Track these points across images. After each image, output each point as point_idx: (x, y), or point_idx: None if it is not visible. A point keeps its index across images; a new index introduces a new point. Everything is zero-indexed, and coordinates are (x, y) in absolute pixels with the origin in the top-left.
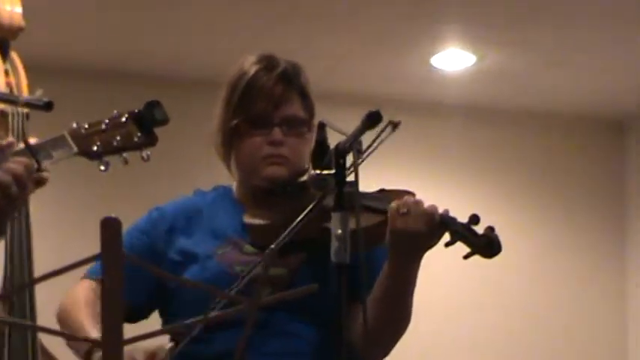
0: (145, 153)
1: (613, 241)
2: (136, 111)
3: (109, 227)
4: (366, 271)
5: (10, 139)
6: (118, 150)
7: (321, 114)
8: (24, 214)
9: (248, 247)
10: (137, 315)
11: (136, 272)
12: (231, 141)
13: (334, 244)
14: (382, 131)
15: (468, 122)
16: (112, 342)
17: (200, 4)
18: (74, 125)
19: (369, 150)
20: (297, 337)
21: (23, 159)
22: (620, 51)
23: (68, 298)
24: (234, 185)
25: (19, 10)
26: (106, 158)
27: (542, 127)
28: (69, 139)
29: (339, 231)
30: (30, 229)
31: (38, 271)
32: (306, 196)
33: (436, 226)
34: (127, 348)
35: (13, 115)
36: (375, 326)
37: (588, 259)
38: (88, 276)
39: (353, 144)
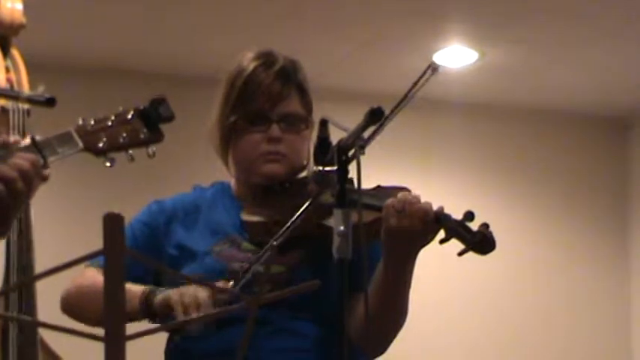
0: (151, 149)
1: (616, 238)
2: (142, 107)
3: (112, 223)
4: (365, 263)
5: (16, 136)
6: (124, 146)
7: (323, 110)
8: (24, 210)
9: (246, 245)
10: None
11: (134, 263)
12: (229, 138)
13: (336, 240)
14: (423, 74)
15: (470, 119)
16: (115, 338)
17: (201, 2)
18: (80, 121)
19: (409, 96)
20: (298, 334)
21: (29, 155)
22: (623, 48)
23: (77, 284)
24: (232, 181)
25: (19, 7)
26: (112, 155)
27: (544, 124)
28: (75, 135)
29: (342, 227)
30: (31, 224)
31: (40, 267)
32: (305, 192)
33: (430, 224)
34: (187, 293)
35: (13, 111)
36: (372, 322)
37: (591, 257)
38: (93, 264)
39: (355, 140)
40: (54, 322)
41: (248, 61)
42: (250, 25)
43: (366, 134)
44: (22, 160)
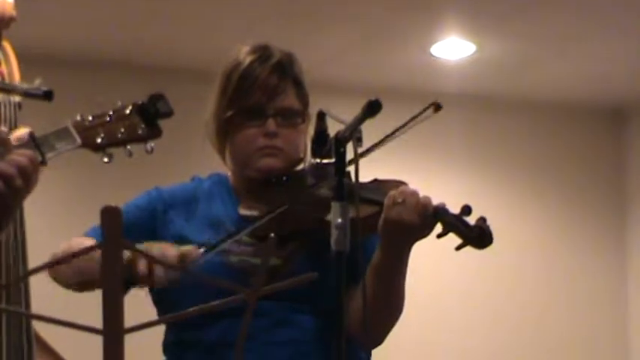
0: (150, 145)
1: (614, 230)
2: (140, 103)
3: (110, 216)
4: (362, 256)
5: (2, 127)
6: (123, 142)
7: (320, 104)
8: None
9: (245, 238)
10: None
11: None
12: (225, 132)
13: (334, 233)
14: (425, 110)
15: (468, 111)
16: (113, 331)
17: None
18: (78, 117)
19: (404, 128)
20: (296, 326)
21: (28, 151)
22: (620, 40)
23: (64, 248)
24: (229, 174)
25: None
26: (110, 150)
27: (541, 116)
28: (73, 131)
29: (339, 220)
30: (24, 219)
31: (37, 260)
32: (302, 186)
33: (429, 218)
34: (155, 247)
35: (4, 104)
36: (369, 313)
37: (589, 249)
38: (90, 235)
39: (353, 133)
40: (48, 315)
41: (244, 55)
42: (248, 19)
43: (365, 146)
44: (20, 156)
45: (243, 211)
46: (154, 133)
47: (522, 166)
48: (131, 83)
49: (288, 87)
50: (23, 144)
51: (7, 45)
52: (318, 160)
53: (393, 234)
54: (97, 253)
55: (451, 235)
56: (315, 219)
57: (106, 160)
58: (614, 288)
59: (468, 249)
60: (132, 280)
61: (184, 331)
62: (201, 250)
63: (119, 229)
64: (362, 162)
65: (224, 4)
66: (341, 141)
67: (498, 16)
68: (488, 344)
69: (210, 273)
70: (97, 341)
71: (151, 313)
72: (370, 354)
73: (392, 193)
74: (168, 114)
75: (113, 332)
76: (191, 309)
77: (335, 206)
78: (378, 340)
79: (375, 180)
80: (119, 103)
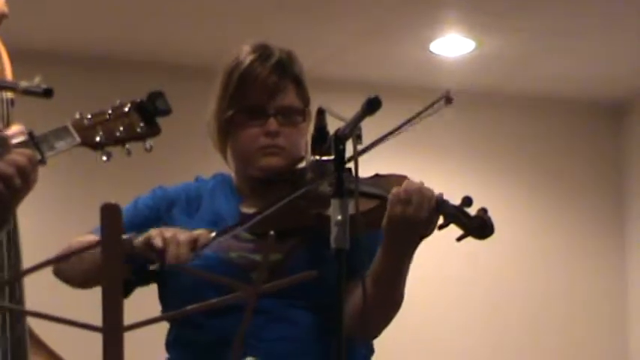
0: (148, 143)
1: (613, 228)
2: (139, 101)
3: (110, 213)
4: (363, 253)
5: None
6: (121, 140)
7: (320, 100)
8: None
9: (245, 234)
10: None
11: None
12: (226, 132)
13: (334, 230)
14: (436, 101)
15: (468, 108)
16: (113, 329)
17: None
18: (77, 115)
19: (414, 120)
20: (295, 322)
21: (26, 150)
22: (619, 36)
23: (68, 245)
24: (232, 174)
25: None
26: (109, 149)
27: (541, 113)
28: (72, 129)
29: (339, 217)
30: (16, 219)
31: (30, 260)
32: (304, 183)
33: (433, 211)
34: (168, 229)
35: None
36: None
37: (588, 247)
38: (95, 232)
39: (352, 130)
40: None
41: (244, 54)
42: (248, 15)
43: (368, 142)
44: (19, 156)
45: (245, 209)
46: (153, 131)
47: (522, 163)
48: (131, 80)
49: (288, 86)
50: (22, 143)
51: None
52: (318, 157)
53: (397, 231)
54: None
55: (451, 228)
56: (314, 215)
57: (104, 158)
58: (613, 286)
59: (467, 243)
60: (145, 260)
61: (186, 329)
62: (213, 234)
63: (119, 226)
64: (361, 158)
65: (225, 1)
66: (340, 138)
67: (498, 12)
68: (486, 344)
69: (210, 269)
70: (96, 339)
71: (151, 311)
72: (373, 350)
73: (395, 190)
74: (167, 112)
75: (113, 330)
76: (190, 306)
77: (334, 203)
78: (375, 335)
79: (376, 175)
80: (118, 102)
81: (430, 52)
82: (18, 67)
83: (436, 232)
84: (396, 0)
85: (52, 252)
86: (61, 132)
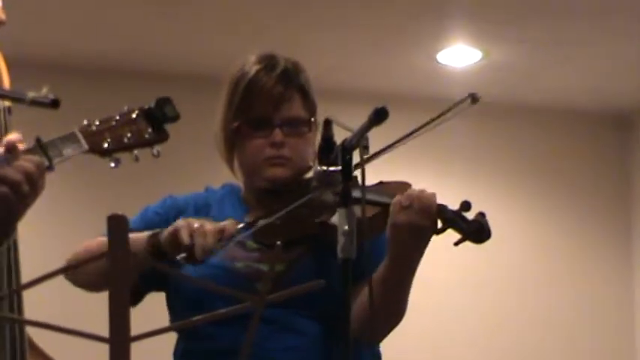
0: (156, 149)
1: (619, 236)
2: (147, 107)
3: (116, 223)
4: (366, 258)
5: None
6: (129, 147)
7: (327, 110)
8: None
9: (250, 244)
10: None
11: None
12: (233, 143)
13: (341, 240)
14: (461, 101)
15: (474, 118)
16: (120, 339)
17: (206, 1)
18: (85, 122)
19: (441, 118)
20: (300, 332)
21: (34, 157)
22: (626, 47)
23: (84, 247)
24: (241, 185)
25: None
26: (117, 155)
27: (548, 123)
28: (80, 136)
29: (346, 227)
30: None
31: (39, 269)
32: (310, 194)
33: (435, 217)
34: (195, 220)
35: None
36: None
37: (595, 255)
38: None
39: (359, 140)
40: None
41: (250, 64)
42: (254, 25)
43: (383, 144)
44: (27, 162)
45: (251, 219)
46: (161, 137)
47: (528, 172)
48: (138, 90)
49: (294, 96)
50: (30, 149)
51: None
52: (325, 168)
53: (403, 236)
54: None
55: (451, 232)
56: (318, 223)
57: (112, 165)
58: (620, 293)
59: (474, 249)
60: (170, 254)
61: (193, 340)
62: (240, 225)
63: (125, 236)
64: (367, 165)
65: (232, 10)
66: (347, 149)
67: (505, 23)
68: (492, 352)
69: (216, 278)
70: (103, 350)
71: (158, 322)
72: (380, 357)
73: (397, 198)
74: (175, 118)
75: (120, 340)
76: (197, 317)
77: (340, 213)
78: (378, 341)
79: (380, 182)
80: (125, 108)
81: (437, 62)
82: (22, 78)
83: (440, 241)
84: (403, 10)
85: (59, 259)
86: (69, 138)
